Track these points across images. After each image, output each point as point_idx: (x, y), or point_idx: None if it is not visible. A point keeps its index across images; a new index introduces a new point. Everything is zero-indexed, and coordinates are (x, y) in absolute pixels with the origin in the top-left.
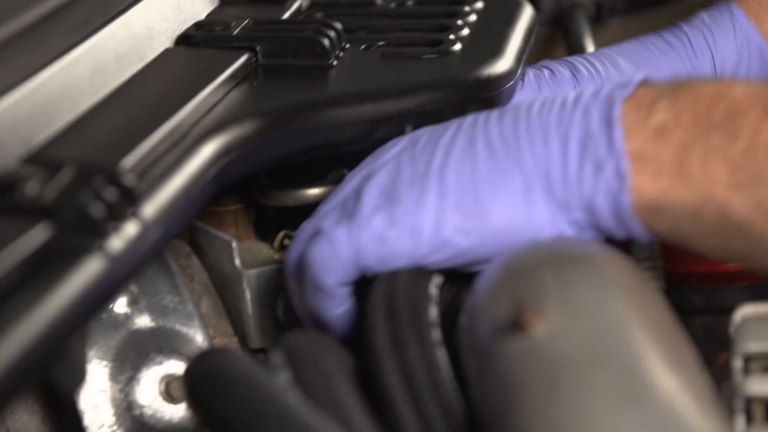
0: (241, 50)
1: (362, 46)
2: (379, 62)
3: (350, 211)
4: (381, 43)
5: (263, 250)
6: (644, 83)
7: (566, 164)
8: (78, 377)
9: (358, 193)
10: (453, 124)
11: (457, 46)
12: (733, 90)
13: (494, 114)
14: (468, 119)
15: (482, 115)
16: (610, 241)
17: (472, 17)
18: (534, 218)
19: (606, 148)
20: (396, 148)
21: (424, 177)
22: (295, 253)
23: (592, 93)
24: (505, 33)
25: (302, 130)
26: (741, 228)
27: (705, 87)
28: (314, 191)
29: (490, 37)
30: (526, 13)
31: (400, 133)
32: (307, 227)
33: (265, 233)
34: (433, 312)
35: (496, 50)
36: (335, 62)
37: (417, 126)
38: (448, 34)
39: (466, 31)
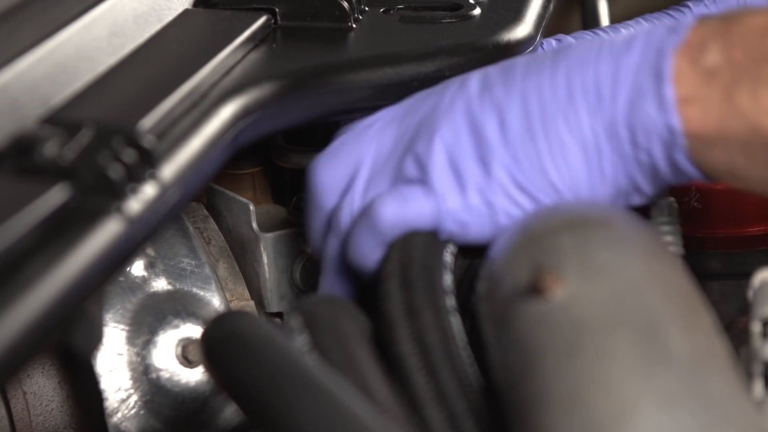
0: (259, 12)
1: (381, 10)
2: (398, 26)
3: (420, 178)
4: (400, 6)
5: (281, 213)
6: (697, 23)
7: (615, 125)
8: (95, 340)
9: (419, 160)
10: (505, 78)
11: (477, 11)
12: None
13: (547, 65)
14: (519, 70)
15: (536, 66)
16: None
17: None
18: (591, 180)
19: (656, 106)
20: (455, 106)
21: (488, 150)
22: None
23: (645, 37)
24: None
25: (321, 93)
26: None
27: (756, 18)
28: None
29: (510, 2)
30: None
31: None
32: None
33: (282, 196)
34: (448, 279)
35: (515, 15)
36: (354, 25)
37: None
38: None
39: None
